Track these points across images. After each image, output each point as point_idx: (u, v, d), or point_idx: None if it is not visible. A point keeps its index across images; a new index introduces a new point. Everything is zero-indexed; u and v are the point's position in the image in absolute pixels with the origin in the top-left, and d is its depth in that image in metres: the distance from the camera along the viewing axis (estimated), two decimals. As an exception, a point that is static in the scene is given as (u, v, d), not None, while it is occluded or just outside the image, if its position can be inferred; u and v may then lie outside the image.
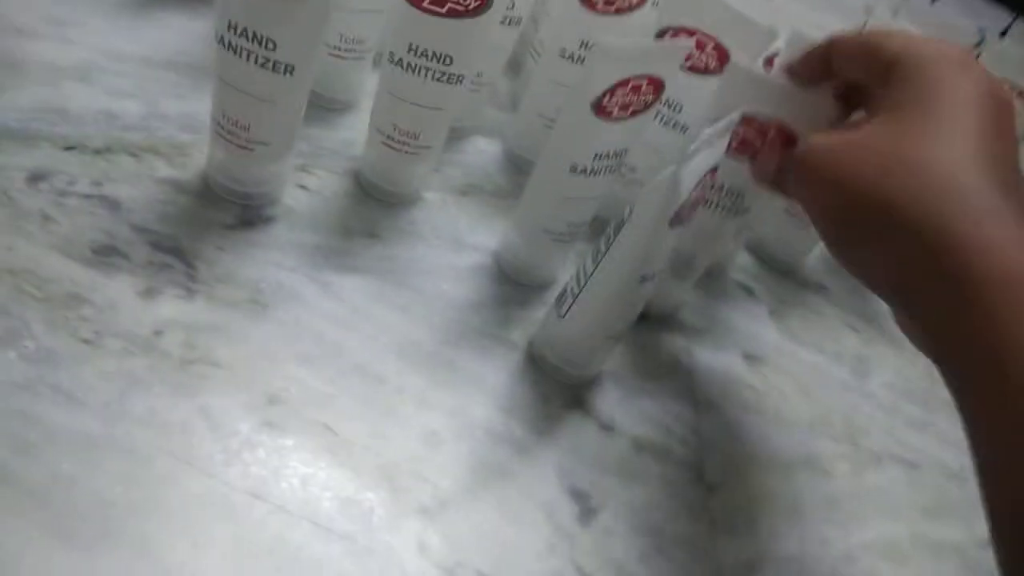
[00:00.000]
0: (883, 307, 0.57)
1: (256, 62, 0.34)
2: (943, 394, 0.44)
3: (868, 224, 0.28)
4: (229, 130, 0.37)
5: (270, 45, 0.33)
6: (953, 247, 0.25)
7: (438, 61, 0.38)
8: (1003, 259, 0.25)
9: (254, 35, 0.33)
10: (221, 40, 0.34)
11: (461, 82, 0.39)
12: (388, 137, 0.41)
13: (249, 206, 0.39)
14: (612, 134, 0.36)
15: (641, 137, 0.39)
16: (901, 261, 0.27)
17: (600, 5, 0.44)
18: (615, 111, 0.35)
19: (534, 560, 0.30)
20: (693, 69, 0.42)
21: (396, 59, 0.38)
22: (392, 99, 0.40)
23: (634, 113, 0.36)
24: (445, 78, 0.39)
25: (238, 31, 0.33)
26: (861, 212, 0.28)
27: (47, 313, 0.31)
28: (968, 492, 0.44)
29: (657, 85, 0.36)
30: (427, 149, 0.42)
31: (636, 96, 0.35)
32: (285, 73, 0.34)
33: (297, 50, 0.34)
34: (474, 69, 0.39)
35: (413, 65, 0.38)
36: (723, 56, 0.42)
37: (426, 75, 0.38)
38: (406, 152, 0.42)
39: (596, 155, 0.37)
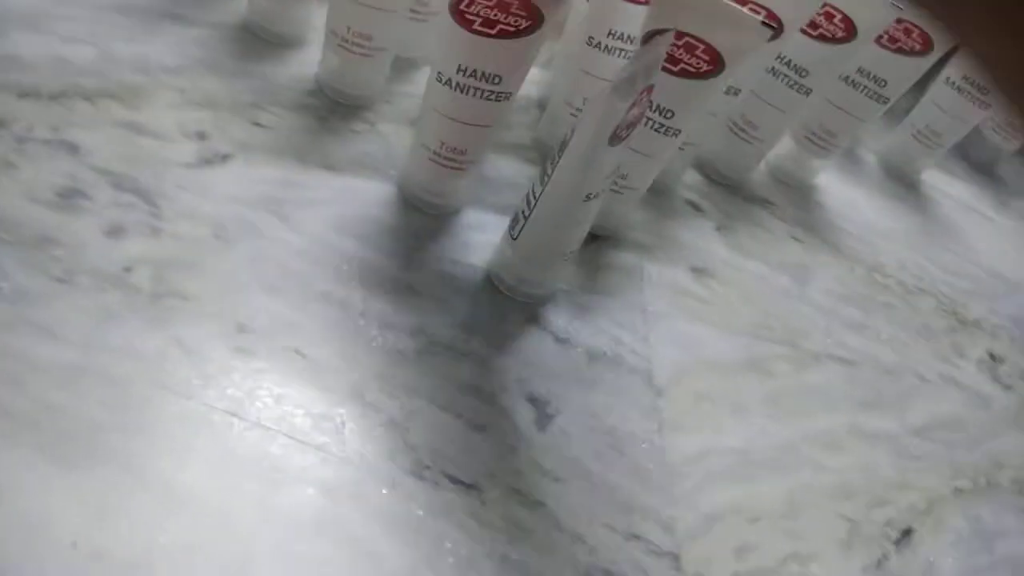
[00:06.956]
0: (825, 217, 0.60)
1: None
2: (880, 298, 0.47)
3: None
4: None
5: None
6: None
7: (487, 81, 0.38)
8: None
9: None
10: None
11: (509, 99, 0.40)
12: (435, 153, 0.41)
13: (209, 146, 0.40)
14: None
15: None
16: None
17: None
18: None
19: (496, 460, 0.33)
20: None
21: (445, 79, 0.38)
22: (439, 117, 0.40)
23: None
24: (494, 96, 0.39)
25: None
26: None
27: (19, 255, 0.32)
28: (901, 386, 0.47)
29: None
30: (473, 164, 0.43)
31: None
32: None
33: None
34: (521, 86, 0.40)
35: (462, 85, 0.38)
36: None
37: (475, 94, 0.39)
38: (452, 168, 0.42)
39: None
